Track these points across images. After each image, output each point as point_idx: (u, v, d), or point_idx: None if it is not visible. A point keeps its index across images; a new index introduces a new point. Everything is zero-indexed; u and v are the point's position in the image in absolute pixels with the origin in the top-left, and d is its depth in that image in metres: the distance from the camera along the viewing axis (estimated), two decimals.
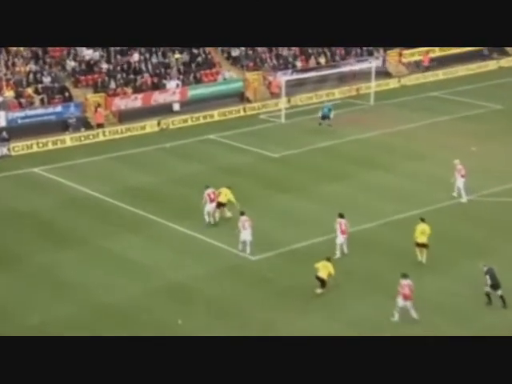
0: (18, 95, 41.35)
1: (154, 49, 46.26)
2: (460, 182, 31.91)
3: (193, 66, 46.33)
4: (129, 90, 43.52)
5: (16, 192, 33.98)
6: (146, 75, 44.70)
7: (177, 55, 46.40)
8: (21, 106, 40.99)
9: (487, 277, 23.91)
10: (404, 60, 52.45)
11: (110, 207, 32.12)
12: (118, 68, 44.42)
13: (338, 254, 26.96)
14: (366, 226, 29.65)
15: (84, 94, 42.89)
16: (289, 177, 35.14)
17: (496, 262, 24.91)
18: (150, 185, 34.47)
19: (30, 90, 41.72)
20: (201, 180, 34.12)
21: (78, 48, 44.66)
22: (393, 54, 52.08)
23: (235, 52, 48.38)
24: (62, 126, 41.17)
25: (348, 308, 24.06)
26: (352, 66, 48.86)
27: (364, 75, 47.85)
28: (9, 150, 38.78)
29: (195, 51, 47.21)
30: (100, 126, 41.60)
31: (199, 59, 46.95)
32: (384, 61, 51.58)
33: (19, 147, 38.97)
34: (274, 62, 48.44)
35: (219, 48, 48.80)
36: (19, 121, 40.46)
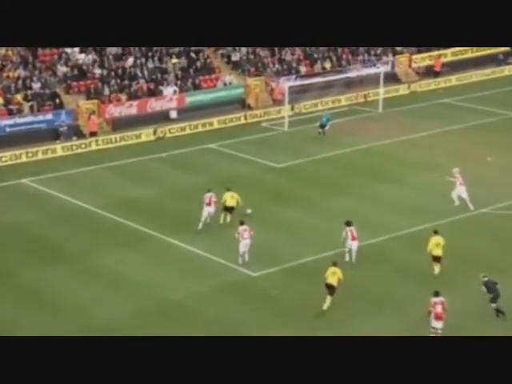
0: (7, 102, 41.35)
1: (150, 53, 46.30)
2: (461, 191, 32.18)
3: (191, 71, 46.31)
4: (123, 96, 43.52)
5: (3, 204, 33.91)
6: (142, 81, 44.70)
7: (174, 60, 46.41)
8: (9, 113, 40.98)
9: (483, 288, 24.22)
10: (414, 65, 52.44)
11: (102, 221, 32.01)
12: (112, 73, 44.41)
13: (353, 257, 27.59)
14: (374, 240, 29.53)
15: (76, 100, 42.89)
16: (292, 188, 35.06)
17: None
18: (146, 197, 34.38)
19: (18, 97, 41.72)
20: (199, 192, 33.97)
21: (69, 52, 44.71)
22: (402, 58, 52.08)
23: (235, 56, 48.40)
24: (53, 134, 41.15)
25: (356, 326, 23.88)
26: (359, 72, 48.87)
27: (372, 81, 47.85)
28: None
29: (193, 55, 47.22)
30: (93, 134, 41.57)
31: (198, 64, 46.95)
32: (393, 66, 51.58)
33: (7, 157, 38.92)
34: (277, 66, 48.42)
35: (219, 52, 48.82)
36: (7, 129, 40.44)
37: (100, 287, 26.53)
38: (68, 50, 44.87)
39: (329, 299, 24.76)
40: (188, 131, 43.21)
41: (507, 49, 55.64)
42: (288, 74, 48.03)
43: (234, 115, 44.84)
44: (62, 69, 43.92)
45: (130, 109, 43.42)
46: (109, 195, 34.54)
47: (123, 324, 24.16)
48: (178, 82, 45.36)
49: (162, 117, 43.98)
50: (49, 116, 41.44)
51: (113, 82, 43.98)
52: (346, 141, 40.93)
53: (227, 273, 27.51)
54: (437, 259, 26.92)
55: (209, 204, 30.58)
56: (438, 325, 22.94)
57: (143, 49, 46.50)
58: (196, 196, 33.96)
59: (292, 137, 42.12)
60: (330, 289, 24.77)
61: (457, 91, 49.76)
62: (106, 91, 43.51)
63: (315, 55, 49.89)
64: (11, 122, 40.53)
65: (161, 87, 44.68)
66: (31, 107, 41.53)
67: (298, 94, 46.39)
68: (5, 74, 42.72)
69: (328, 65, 49.49)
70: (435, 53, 52.90)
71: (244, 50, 48.89)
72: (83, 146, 40.73)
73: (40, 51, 44.67)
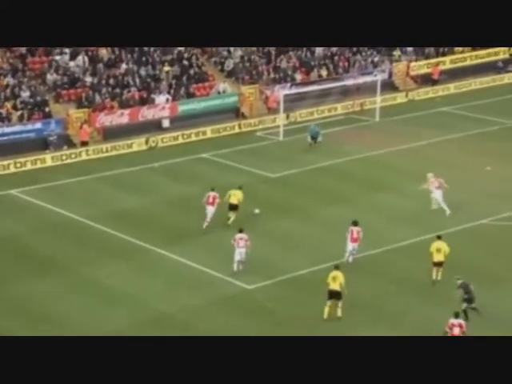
0: None
1: (143, 58, 46.49)
2: (437, 194, 32.91)
3: (184, 79, 46.56)
4: (115, 104, 43.69)
5: None
6: (134, 89, 44.93)
7: (167, 68, 46.68)
8: None
9: (460, 291, 24.66)
10: (412, 73, 52.79)
11: (93, 232, 32.14)
12: (104, 81, 44.64)
13: (350, 259, 28.43)
14: (371, 252, 29.70)
15: (66, 109, 43.07)
16: (288, 199, 35.26)
17: None
18: (138, 208, 34.54)
19: (8, 105, 41.86)
20: (192, 202, 34.21)
21: (59, 60, 44.92)
22: (400, 66, 52.43)
23: (229, 63, 48.65)
24: (42, 144, 41.27)
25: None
26: (356, 79, 49.19)
27: (369, 89, 48.17)
28: None
29: (186, 63, 47.48)
30: (84, 144, 41.75)
31: (191, 72, 47.20)
32: (390, 73, 51.91)
33: None
34: (272, 74, 48.70)
35: (212, 60, 49.10)
36: None
37: (91, 300, 26.64)
38: (58, 57, 45.11)
39: (334, 303, 25.08)
40: (181, 140, 43.42)
41: (507, 56, 56.17)
42: (283, 81, 48.32)
43: (227, 124, 45.07)
44: (51, 77, 44.11)
45: (122, 118, 43.61)
46: (100, 206, 34.68)
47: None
48: (171, 91, 45.60)
49: (154, 126, 44.20)
50: (38, 125, 41.57)
51: (104, 90, 44.20)
52: (343, 150, 41.17)
53: (221, 285, 27.66)
54: (437, 265, 27.17)
55: (211, 203, 31.34)
56: None
57: (135, 56, 46.80)
58: (189, 207, 34.17)
59: (287, 146, 42.37)
60: (334, 295, 25.10)
61: (455, 99, 50.08)
62: (97, 99, 43.71)
63: (312, 62, 50.17)
64: None
65: (153, 95, 44.92)
66: (20, 116, 41.70)
67: (293, 102, 46.67)
68: None
69: (324, 72, 49.80)
70: (433, 60, 53.28)
71: (238, 56, 49.18)
72: (73, 155, 40.90)
73: (29, 59, 44.89)
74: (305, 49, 50.96)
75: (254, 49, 50.14)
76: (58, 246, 30.77)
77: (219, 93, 46.74)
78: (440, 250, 27.12)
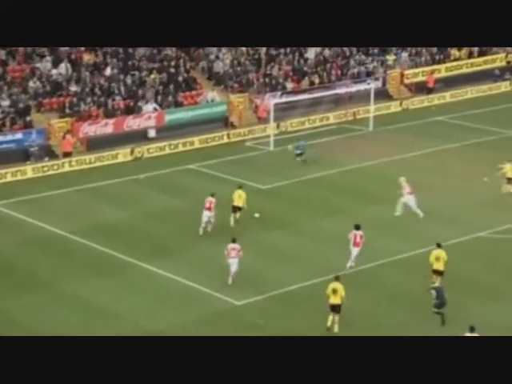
0: None
1: (129, 63, 46.47)
2: (409, 199, 33.57)
3: (171, 87, 46.55)
4: (100, 112, 43.58)
5: None
6: (119, 98, 44.89)
7: (153, 75, 46.65)
8: None
9: (433, 293, 25.46)
10: (406, 81, 53.01)
11: (76, 247, 32.04)
12: (88, 89, 44.55)
13: (352, 264, 29.17)
14: (364, 266, 29.71)
15: (48, 119, 42.99)
16: (279, 211, 35.27)
17: None
18: (123, 221, 34.47)
19: None
20: (180, 215, 34.19)
21: (41, 67, 44.87)
22: (394, 74, 52.64)
23: (218, 67, 48.58)
24: (23, 155, 41.17)
25: None
26: (348, 88, 49.36)
27: (362, 98, 48.32)
28: None
29: (172, 70, 47.50)
30: (67, 154, 41.65)
31: (178, 79, 47.15)
32: (384, 81, 52.11)
33: None
34: (262, 82, 48.77)
35: (200, 66, 49.09)
36: None
37: (74, 317, 26.53)
38: (38, 64, 45.08)
39: (333, 317, 25.31)
40: (167, 151, 43.40)
41: (503, 64, 56.49)
42: (274, 90, 48.40)
43: (216, 134, 45.09)
44: (33, 85, 44.02)
45: (106, 127, 43.57)
46: (83, 220, 34.58)
47: None
48: (159, 98, 45.57)
49: (140, 136, 44.17)
50: (18, 135, 41.45)
51: (89, 99, 44.08)
52: (335, 161, 41.24)
53: (210, 301, 27.60)
54: (437, 273, 27.45)
55: (208, 209, 31.86)
56: None
57: (121, 63, 46.79)
58: (176, 220, 34.12)
59: (278, 157, 42.41)
60: (333, 308, 25.44)
61: (451, 108, 50.28)
62: (81, 108, 43.63)
63: (304, 68, 50.22)
64: None
65: (140, 103, 44.87)
66: (0, 125, 41.58)
67: (284, 111, 46.76)
68: None
69: (316, 80, 49.90)
70: (428, 68, 53.54)
71: (228, 62, 49.21)
72: (55, 167, 40.81)
73: (10, 66, 44.84)
74: (297, 55, 51.09)
75: (244, 53, 50.19)
76: (40, 262, 30.64)
77: (207, 102, 46.79)
78: (439, 259, 27.48)
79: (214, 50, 49.76)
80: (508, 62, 56.71)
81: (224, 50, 49.77)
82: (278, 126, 45.98)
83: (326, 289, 25.74)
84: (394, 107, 50.68)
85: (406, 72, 52.96)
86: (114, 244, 31.77)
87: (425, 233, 32.48)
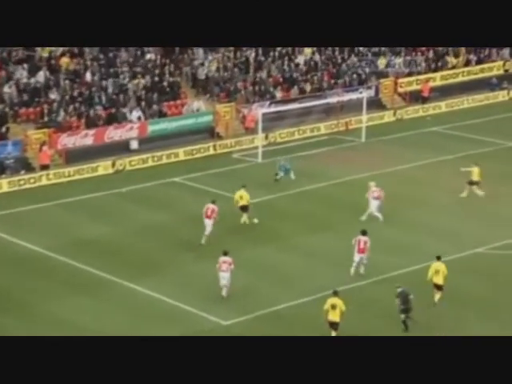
0: None
1: (110, 70, 46.36)
2: (373, 205, 34.66)
3: (154, 96, 46.41)
4: (81, 122, 43.37)
5: None
6: (99, 107, 44.72)
7: (136, 80, 46.46)
8: None
9: (398, 300, 26.09)
10: (400, 89, 53.15)
11: (55, 264, 31.88)
12: (67, 97, 44.32)
13: (361, 270, 29.91)
14: (359, 283, 29.70)
15: (24, 129, 42.82)
16: (268, 226, 35.21)
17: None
18: (104, 237, 34.33)
19: None
20: (164, 231, 34.05)
21: (17, 74, 44.64)
22: (387, 82, 52.76)
23: (203, 73, 48.49)
24: None
25: None
26: (340, 97, 49.44)
27: (354, 107, 48.42)
28: None
29: (156, 78, 47.35)
30: (44, 167, 41.49)
31: (162, 87, 47.03)
32: (377, 90, 52.22)
33: None
34: (250, 90, 48.76)
35: (184, 73, 48.99)
36: None
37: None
38: (15, 72, 44.88)
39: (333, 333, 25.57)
40: (150, 163, 43.31)
41: (501, 72, 56.74)
42: (262, 99, 48.39)
43: (201, 145, 45.06)
44: (8, 93, 43.74)
45: (86, 139, 43.43)
46: (62, 236, 34.42)
47: None
48: (142, 105, 45.43)
49: (122, 147, 44.07)
50: None
51: (70, 108, 43.79)
52: (326, 173, 41.26)
53: (195, 321, 27.50)
54: (437, 287, 27.77)
55: (209, 217, 32.30)
56: None
57: (102, 69, 46.64)
58: (160, 236, 34.00)
59: (266, 169, 42.35)
60: (331, 325, 25.64)
61: (447, 119, 50.43)
62: (59, 119, 43.43)
63: (294, 74, 50.15)
64: None
65: (124, 110, 44.67)
66: None
67: (272, 121, 46.79)
68: None
69: (307, 88, 49.86)
70: (423, 76, 53.70)
71: (214, 67, 49.16)
72: (32, 180, 40.63)
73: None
74: (286, 59, 51.06)
75: (231, 58, 50.16)
76: (16, 280, 30.45)
77: (192, 111, 46.75)
78: (438, 272, 27.77)
79: (200, 55, 49.70)
80: (506, 71, 56.99)
81: (210, 56, 49.75)
82: (266, 137, 46.00)
83: (324, 304, 25.78)
84: (387, 117, 50.79)
85: (400, 80, 53.07)
86: (95, 261, 31.62)
87: (421, 248, 32.46)
